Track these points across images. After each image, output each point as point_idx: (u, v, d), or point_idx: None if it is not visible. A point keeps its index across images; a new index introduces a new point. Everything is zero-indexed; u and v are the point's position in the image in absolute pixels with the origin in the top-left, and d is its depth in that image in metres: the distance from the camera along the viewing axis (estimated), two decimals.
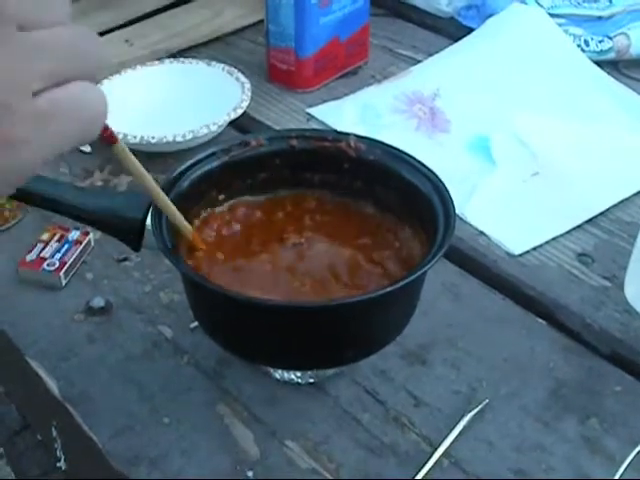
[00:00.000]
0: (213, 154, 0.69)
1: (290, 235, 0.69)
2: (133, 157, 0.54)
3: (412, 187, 0.66)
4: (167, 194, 0.60)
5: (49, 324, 0.76)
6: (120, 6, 1.24)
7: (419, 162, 0.67)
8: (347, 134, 0.71)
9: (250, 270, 0.66)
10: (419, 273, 0.57)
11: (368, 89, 1.05)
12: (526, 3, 1.17)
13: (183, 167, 0.66)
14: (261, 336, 0.61)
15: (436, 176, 0.65)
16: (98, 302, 0.77)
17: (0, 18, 0.37)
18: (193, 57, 1.07)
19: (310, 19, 1.03)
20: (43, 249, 0.81)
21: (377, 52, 1.16)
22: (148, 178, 0.56)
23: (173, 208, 0.61)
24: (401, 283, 0.56)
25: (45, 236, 0.83)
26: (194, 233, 0.64)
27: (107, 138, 0.49)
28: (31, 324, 0.76)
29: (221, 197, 0.70)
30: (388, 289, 0.56)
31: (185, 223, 0.63)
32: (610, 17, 1.19)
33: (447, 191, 0.63)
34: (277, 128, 1.00)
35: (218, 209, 0.70)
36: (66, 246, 0.82)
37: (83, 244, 0.82)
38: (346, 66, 1.11)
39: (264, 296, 0.60)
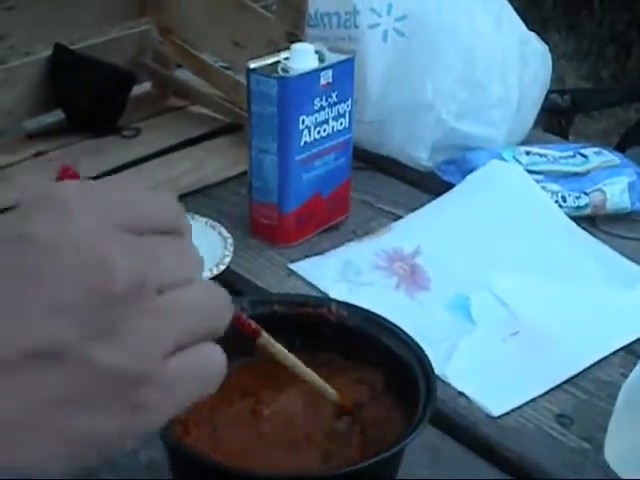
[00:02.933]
0: None
1: (266, 401, 0.69)
2: (277, 343, 0.57)
3: (393, 356, 0.67)
4: None
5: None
6: (102, 154, 1.26)
7: (401, 330, 0.68)
8: (329, 300, 0.72)
9: (227, 438, 0.65)
10: (399, 448, 0.57)
11: (349, 245, 1.07)
12: (505, 160, 1.20)
13: None
14: None
15: (418, 346, 0.66)
16: None
17: (140, 287, 0.38)
18: None
19: (293, 176, 1.05)
20: None
21: (358, 206, 1.18)
22: (295, 361, 0.60)
23: (323, 384, 0.64)
24: (381, 456, 0.56)
25: None
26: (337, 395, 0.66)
27: (251, 332, 0.52)
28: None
29: None
30: (369, 462, 0.56)
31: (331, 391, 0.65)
32: (586, 173, 1.22)
33: (429, 363, 0.64)
34: (258, 283, 1.01)
35: None
36: None
37: None
38: (327, 221, 1.12)
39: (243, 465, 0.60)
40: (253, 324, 0.52)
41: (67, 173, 0.46)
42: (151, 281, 0.39)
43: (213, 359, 0.43)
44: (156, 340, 0.39)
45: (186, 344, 0.41)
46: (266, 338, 0.56)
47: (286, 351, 0.59)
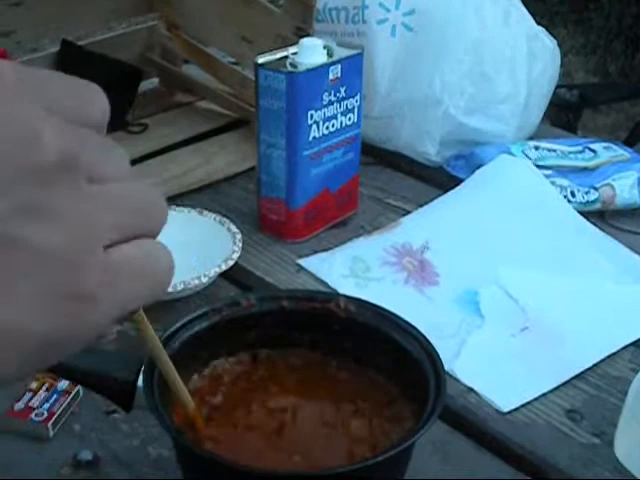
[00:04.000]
0: (203, 314, 0.69)
1: (277, 397, 0.69)
2: (150, 327, 0.53)
3: (402, 350, 0.66)
4: None
5: (36, 477, 0.75)
6: None
7: (410, 325, 0.68)
8: (337, 295, 0.72)
9: (237, 435, 0.65)
10: (406, 445, 0.57)
11: (357, 240, 1.07)
12: (513, 155, 1.20)
13: (174, 328, 0.67)
14: None
15: (428, 341, 0.66)
16: (85, 455, 0.77)
17: (72, 167, 0.35)
18: (184, 204, 1.09)
19: (301, 171, 1.05)
20: (31, 398, 0.81)
21: (366, 202, 1.18)
22: (163, 352, 0.57)
23: (181, 385, 0.60)
24: (391, 452, 0.56)
25: (34, 385, 0.83)
26: (197, 414, 0.64)
27: None
28: (17, 476, 0.75)
29: (211, 358, 0.70)
30: (379, 458, 0.56)
31: (190, 400, 0.62)
32: (595, 168, 1.21)
33: (439, 358, 0.64)
34: (267, 279, 1.02)
35: (208, 370, 0.70)
36: (55, 396, 0.81)
37: (72, 394, 0.82)
38: (336, 217, 1.12)
39: (252, 462, 0.60)
40: None
41: None
42: (84, 164, 0.36)
43: (158, 253, 0.40)
44: (93, 225, 0.36)
45: (125, 238, 0.38)
46: (141, 315, 0.51)
47: (158, 341, 0.56)
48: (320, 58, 1.02)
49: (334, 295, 0.72)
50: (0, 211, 0.34)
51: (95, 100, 0.39)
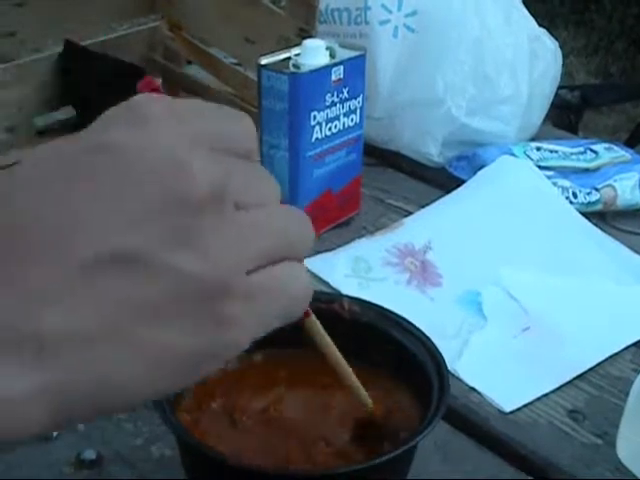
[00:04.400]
0: None
1: (280, 396, 0.69)
2: (324, 331, 0.56)
3: (406, 351, 0.67)
4: None
5: (39, 476, 0.75)
6: None
7: (413, 325, 0.68)
8: (341, 296, 0.72)
9: (238, 435, 0.66)
10: (410, 445, 0.57)
11: (360, 241, 1.07)
12: (515, 156, 1.20)
13: None
14: None
15: (431, 342, 0.66)
16: (89, 454, 0.77)
17: (220, 197, 0.37)
18: None
19: (304, 172, 1.05)
20: None
21: (369, 202, 1.19)
22: (338, 355, 0.59)
23: (361, 388, 0.62)
24: (394, 453, 0.56)
25: None
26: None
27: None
28: (20, 475, 0.75)
29: None
30: (382, 458, 0.56)
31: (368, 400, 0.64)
32: (597, 169, 1.22)
33: (442, 358, 0.64)
34: None
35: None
36: None
37: None
38: (338, 218, 1.13)
39: (254, 461, 0.61)
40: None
41: (149, 85, 0.46)
42: (231, 192, 0.38)
43: (298, 276, 0.42)
44: (238, 251, 0.38)
45: (268, 263, 0.40)
46: (314, 322, 0.55)
47: (332, 344, 0.58)
48: (323, 59, 1.02)
49: (338, 296, 0.72)
50: (151, 240, 0.36)
51: (241, 127, 0.41)
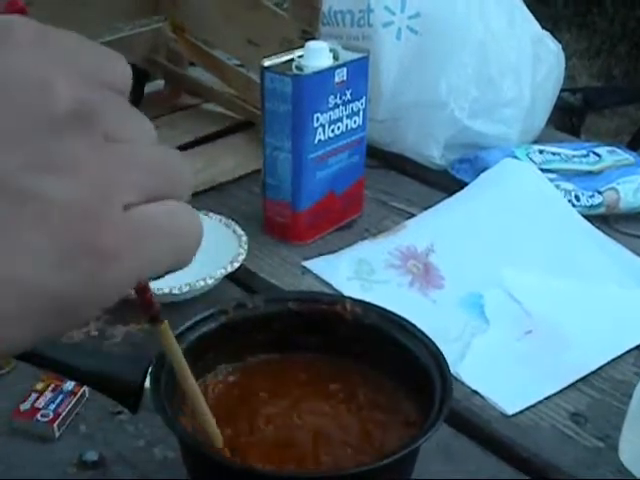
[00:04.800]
0: (210, 316, 0.69)
1: (283, 400, 0.69)
2: (174, 339, 0.53)
3: (408, 353, 0.67)
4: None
5: (41, 477, 0.75)
6: None
7: (415, 327, 0.68)
8: (343, 297, 0.72)
9: (245, 438, 0.66)
10: (412, 447, 0.57)
11: (363, 243, 1.07)
12: (518, 158, 1.20)
13: (179, 330, 0.67)
14: None
15: (434, 344, 0.66)
16: (91, 456, 0.77)
17: (87, 118, 0.34)
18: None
19: (307, 174, 1.05)
20: (37, 399, 0.81)
21: (371, 205, 1.19)
22: (185, 367, 0.56)
23: (205, 407, 0.59)
24: (397, 455, 0.56)
25: (40, 386, 0.83)
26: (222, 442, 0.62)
27: (146, 301, 0.47)
28: (23, 476, 0.75)
29: (217, 360, 0.70)
30: (385, 461, 0.56)
31: (215, 429, 0.60)
32: (600, 172, 1.22)
33: (444, 360, 0.64)
34: (272, 281, 1.02)
35: (214, 373, 0.70)
36: (60, 397, 0.82)
37: (77, 395, 0.82)
38: (341, 220, 1.13)
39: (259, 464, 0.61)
40: (158, 304, 0.47)
41: (15, 6, 0.42)
42: (101, 119, 0.35)
43: (185, 215, 0.38)
44: (111, 179, 0.35)
45: (146, 200, 0.36)
46: (165, 326, 0.50)
47: (181, 355, 0.55)
48: (326, 61, 1.03)
49: (340, 297, 0.72)
50: (13, 164, 0.33)
51: (117, 65, 0.38)
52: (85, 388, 0.83)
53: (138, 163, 0.36)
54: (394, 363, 0.69)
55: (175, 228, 0.38)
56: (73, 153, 0.34)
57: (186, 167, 0.39)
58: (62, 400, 0.81)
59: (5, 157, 0.33)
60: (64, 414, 0.80)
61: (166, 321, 0.50)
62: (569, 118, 2.66)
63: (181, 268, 0.39)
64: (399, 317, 0.70)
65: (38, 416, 0.79)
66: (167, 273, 0.38)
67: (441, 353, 0.65)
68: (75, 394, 0.82)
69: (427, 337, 0.67)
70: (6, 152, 0.33)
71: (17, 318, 0.33)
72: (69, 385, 0.83)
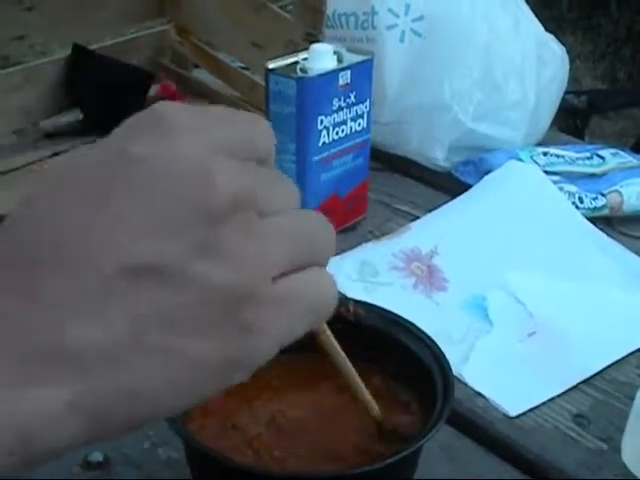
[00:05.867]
0: None
1: (284, 401, 0.69)
2: (338, 346, 0.56)
3: (411, 354, 0.67)
4: None
5: (46, 477, 0.75)
6: None
7: (418, 328, 0.68)
8: (346, 299, 0.72)
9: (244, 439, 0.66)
10: (414, 448, 0.57)
11: (367, 245, 1.07)
12: (522, 160, 1.20)
13: None
14: None
15: (436, 345, 0.66)
16: (96, 456, 0.77)
17: (244, 206, 0.37)
18: None
19: (311, 176, 1.05)
20: None
21: (375, 207, 1.19)
22: (352, 372, 0.59)
23: (373, 403, 0.62)
24: (399, 455, 0.57)
25: None
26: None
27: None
28: (28, 477, 0.75)
29: None
30: (387, 461, 0.57)
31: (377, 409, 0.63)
32: (603, 175, 1.22)
33: (446, 361, 0.64)
34: None
35: None
36: None
37: None
38: (345, 222, 1.13)
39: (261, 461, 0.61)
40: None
41: (166, 91, 0.45)
42: (254, 200, 0.38)
43: (324, 281, 0.42)
44: (263, 259, 0.38)
45: (293, 269, 0.40)
46: (329, 336, 0.55)
47: (343, 354, 0.58)
48: (330, 64, 1.03)
49: (343, 299, 0.72)
50: (178, 251, 0.36)
51: (261, 132, 0.41)
52: None
53: (288, 236, 0.40)
54: (396, 364, 0.69)
55: (316, 297, 0.41)
56: (231, 239, 0.37)
57: (330, 232, 0.43)
58: None
59: (164, 244, 0.36)
60: None
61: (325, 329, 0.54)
62: (573, 120, 2.67)
63: (317, 327, 0.45)
64: (401, 318, 0.70)
65: None
66: (306, 332, 0.42)
67: (444, 355, 0.65)
68: None
69: (429, 339, 0.67)
70: (172, 239, 0.36)
71: (179, 387, 0.38)
72: None
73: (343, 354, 0.58)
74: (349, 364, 0.59)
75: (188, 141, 0.37)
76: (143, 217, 0.36)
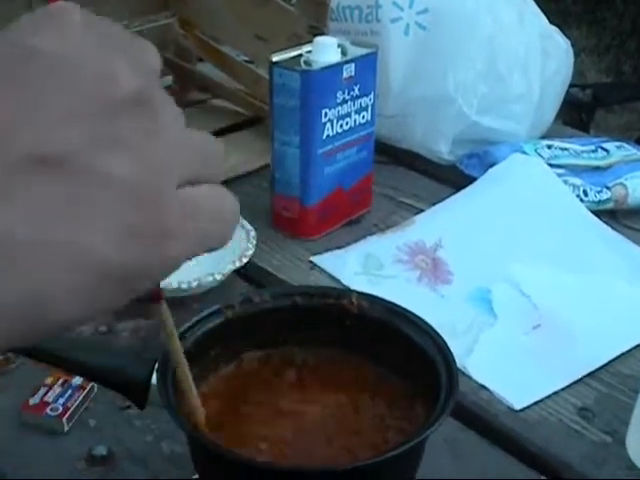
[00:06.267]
0: (216, 311, 0.69)
1: (290, 394, 0.69)
2: (173, 324, 0.54)
3: (415, 347, 0.67)
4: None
5: (51, 471, 0.76)
6: None
7: (422, 320, 0.68)
8: (350, 291, 0.72)
9: (249, 431, 0.66)
10: (419, 439, 0.57)
11: (371, 238, 1.07)
12: (527, 153, 1.20)
13: (187, 325, 0.67)
14: None
15: (440, 337, 0.66)
16: (100, 450, 0.77)
17: (146, 102, 0.37)
18: None
19: (315, 169, 1.05)
20: (46, 393, 0.82)
21: (379, 200, 1.19)
22: (179, 348, 0.57)
23: (193, 388, 0.60)
24: (403, 447, 0.56)
25: (49, 380, 0.83)
26: (205, 417, 0.62)
27: (155, 295, 0.49)
28: (33, 470, 0.76)
29: (224, 355, 0.70)
30: (390, 453, 0.56)
31: (199, 405, 0.61)
32: (608, 168, 1.22)
33: (450, 353, 0.64)
34: (280, 276, 1.02)
35: (220, 367, 0.70)
36: (70, 391, 0.82)
37: (86, 390, 0.82)
38: (349, 215, 1.13)
39: (263, 456, 0.61)
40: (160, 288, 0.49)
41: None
42: (155, 103, 0.37)
43: (225, 194, 0.41)
44: (169, 161, 0.37)
45: (194, 181, 0.39)
46: (165, 309, 0.52)
47: (176, 336, 0.56)
48: (334, 57, 1.03)
49: (347, 291, 0.72)
50: (80, 142, 0.35)
51: (151, 49, 0.40)
52: (94, 383, 0.83)
53: (187, 147, 0.39)
54: (400, 356, 0.69)
55: (216, 210, 0.40)
56: (134, 135, 0.36)
57: (221, 150, 0.42)
58: (71, 394, 0.82)
59: (71, 134, 0.34)
60: (73, 408, 0.80)
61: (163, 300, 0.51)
62: (578, 114, 2.66)
63: (218, 249, 0.41)
64: (406, 310, 0.70)
65: (47, 410, 0.80)
66: (206, 252, 0.40)
67: (448, 347, 0.65)
68: (84, 388, 0.83)
69: (434, 330, 0.67)
70: (71, 130, 0.35)
71: (84, 289, 0.35)
72: (78, 379, 0.83)
73: (174, 333, 0.56)
74: (179, 344, 0.57)
75: (88, 39, 0.37)
76: (49, 108, 0.35)
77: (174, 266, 0.38)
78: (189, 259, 0.39)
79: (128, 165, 0.35)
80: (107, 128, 0.35)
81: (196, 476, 0.72)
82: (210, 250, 0.40)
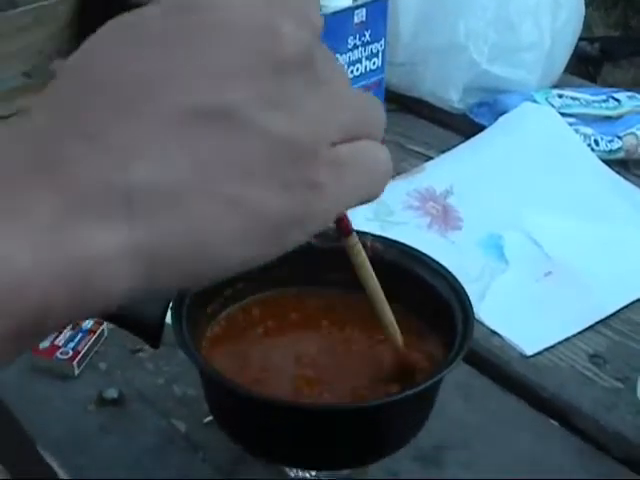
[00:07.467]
0: None
1: (306, 332, 0.69)
2: (365, 254, 0.58)
3: (430, 288, 0.66)
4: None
5: (62, 414, 0.76)
6: None
7: (437, 263, 0.68)
8: (364, 233, 0.71)
9: (264, 367, 0.66)
10: (436, 379, 0.57)
11: None
12: (537, 102, 1.19)
13: None
14: (276, 436, 0.61)
15: (455, 278, 0.66)
16: (111, 393, 0.77)
17: (308, 62, 0.38)
18: None
19: None
20: (57, 337, 0.81)
21: (389, 147, 1.14)
22: (375, 282, 0.60)
23: (391, 316, 0.62)
24: (419, 388, 0.56)
25: None
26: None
27: (344, 228, 0.53)
28: (43, 413, 0.76)
29: (239, 295, 0.70)
30: (406, 394, 0.56)
31: (398, 336, 0.64)
32: (619, 117, 1.21)
33: (466, 294, 0.64)
34: None
35: (234, 305, 0.70)
36: (80, 335, 0.82)
37: (97, 333, 0.82)
38: None
39: (278, 393, 0.61)
40: (349, 221, 0.53)
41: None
42: (317, 61, 0.38)
43: (379, 153, 0.42)
44: (328, 119, 0.39)
45: (350, 138, 0.40)
46: (355, 240, 0.57)
47: (371, 270, 0.60)
48: (345, 1, 1.02)
49: (361, 234, 0.72)
50: (243, 98, 0.36)
51: (313, 5, 0.41)
52: (104, 327, 0.83)
53: (345, 104, 0.40)
54: (415, 298, 0.68)
55: (371, 165, 0.41)
56: (295, 93, 0.37)
57: (382, 109, 0.43)
58: (82, 338, 0.82)
59: (235, 89, 0.36)
60: (83, 352, 0.80)
61: (354, 233, 0.56)
62: (586, 67, 2.64)
63: (371, 200, 0.42)
64: (420, 253, 0.69)
65: (58, 354, 0.80)
66: (360, 204, 0.42)
67: (462, 288, 0.65)
68: (94, 332, 0.82)
69: (449, 272, 0.67)
70: (236, 85, 0.36)
71: (241, 238, 0.37)
72: (88, 323, 0.83)
73: (376, 280, 0.59)
74: (379, 290, 0.60)
75: None
76: (214, 65, 0.36)
77: (324, 218, 0.39)
78: (340, 212, 0.41)
79: (287, 123, 0.37)
80: (270, 86, 0.36)
81: (209, 417, 0.72)
82: (363, 202, 0.42)
